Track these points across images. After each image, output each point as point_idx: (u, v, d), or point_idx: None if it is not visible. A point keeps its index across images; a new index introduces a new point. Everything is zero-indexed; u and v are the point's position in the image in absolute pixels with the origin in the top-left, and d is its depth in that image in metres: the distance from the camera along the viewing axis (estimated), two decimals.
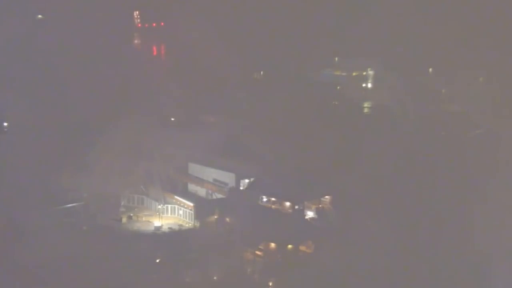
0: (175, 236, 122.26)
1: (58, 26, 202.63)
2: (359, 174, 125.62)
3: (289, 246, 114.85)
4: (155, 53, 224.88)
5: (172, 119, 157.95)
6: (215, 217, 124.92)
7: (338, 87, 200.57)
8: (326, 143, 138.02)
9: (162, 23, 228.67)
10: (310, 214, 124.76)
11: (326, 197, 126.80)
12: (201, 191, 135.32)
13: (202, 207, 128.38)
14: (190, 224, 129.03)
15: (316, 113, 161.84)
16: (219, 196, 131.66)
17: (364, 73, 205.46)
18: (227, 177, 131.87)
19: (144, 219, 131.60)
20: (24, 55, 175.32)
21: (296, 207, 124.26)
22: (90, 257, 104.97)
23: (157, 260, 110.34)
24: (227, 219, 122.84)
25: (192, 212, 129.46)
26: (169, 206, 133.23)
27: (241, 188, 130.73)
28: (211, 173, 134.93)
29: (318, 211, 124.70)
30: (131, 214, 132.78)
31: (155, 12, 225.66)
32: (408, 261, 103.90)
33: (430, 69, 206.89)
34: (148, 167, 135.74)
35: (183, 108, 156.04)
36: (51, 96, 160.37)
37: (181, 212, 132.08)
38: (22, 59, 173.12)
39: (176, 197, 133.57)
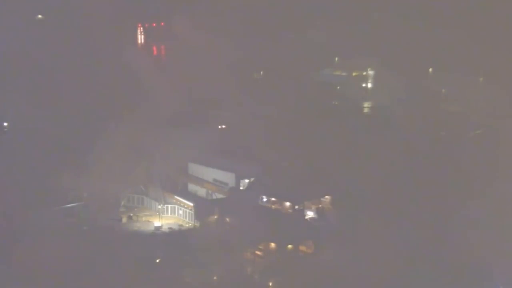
0: (175, 236, 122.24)
1: (58, 26, 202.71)
2: (359, 174, 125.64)
3: (289, 246, 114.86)
4: (155, 53, 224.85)
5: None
6: (215, 217, 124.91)
7: (338, 87, 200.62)
8: (326, 143, 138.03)
9: (162, 23, 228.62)
10: (310, 214, 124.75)
11: (326, 197, 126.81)
12: (201, 191, 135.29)
13: (202, 207, 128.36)
14: (190, 224, 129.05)
15: (316, 113, 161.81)
16: (219, 196, 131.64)
17: (364, 73, 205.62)
18: (227, 177, 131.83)
19: (144, 219, 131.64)
20: (24, 55, 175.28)
21: (296, 207, 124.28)
22: (90, 257, 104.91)
23: (157, 260, 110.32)
24: (227, 219, 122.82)
25: (192, 212, 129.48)
26: (169, 206, 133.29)
27: (241, 188, 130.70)
28: (211, 173, 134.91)
29: (318, 211, 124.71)
30: (131, 214, 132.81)
31: (155, 12, 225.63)
32: (408, 261, 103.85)
33: (430, 69, 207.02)
34: (148, 167, 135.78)
35: (183, 108, 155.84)
36: (51, 96, 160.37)
37: (181, 212, 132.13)
38: (22, 59, 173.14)
39: (176, 197, 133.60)
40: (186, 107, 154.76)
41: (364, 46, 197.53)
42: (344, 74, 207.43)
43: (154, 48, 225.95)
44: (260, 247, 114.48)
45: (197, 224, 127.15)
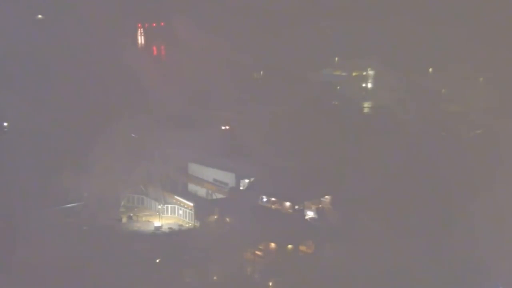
0: (175, 236, 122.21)
1: (58, 26, 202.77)
2: (359, 174, 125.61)
3: (289, 246, 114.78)
4: (155, 53, 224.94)
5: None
6: (215, 217, 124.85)
7: (338, 87, 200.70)
8: (326, 143, 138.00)
9: (162, 23, 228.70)
10: (310, 214, 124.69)
11: (326, 197, 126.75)
12: (201, 191, 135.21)
13: (202, 207, 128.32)
14: (190, 224, 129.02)
15: (316, 113, 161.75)
16: (219, 196, 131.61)
17: (364, 73, 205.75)
18: (227, 177, 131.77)
19: (144, 219, 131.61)
20: (24, 55, 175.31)
21: (296, 207, 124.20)
22: (90, 257, 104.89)
23: (157, 260, 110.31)
24: (227, 219, 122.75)
25: (192, 212, 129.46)
26: (169, 206, 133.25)
27: (241, 188, 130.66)
28: (211, 173, 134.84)
29: (318, 211, 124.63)
30: (131, 214, 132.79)
31: (155, 12, 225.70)
32: (408, 261, 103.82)
33: (430, 69, 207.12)
34: (148, 167, 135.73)
35: (183, 108, 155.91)
36: (51, 96, 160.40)
37: (181, 212, 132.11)
38: (22, 59, 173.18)
39: (176, 197, 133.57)
40: (186, 107, 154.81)
41: (364, 46, 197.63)
42: (344, 74, 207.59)
43: (154, 48, 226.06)
44: (260, 247, 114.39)
45: (197, 224, 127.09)
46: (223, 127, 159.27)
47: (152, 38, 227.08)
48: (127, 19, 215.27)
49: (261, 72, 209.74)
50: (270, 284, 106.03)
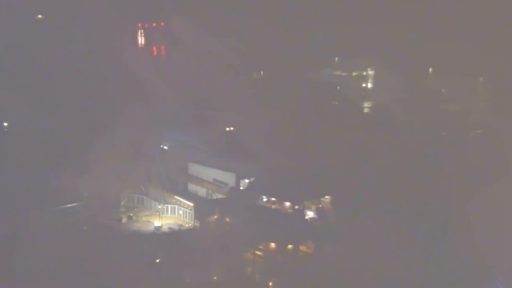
0: (175, 236, 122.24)
1: (58, 26, 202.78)
2: (359, 174, 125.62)
3: (289, 246, 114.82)
4: (155, 53, 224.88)
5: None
6: (215, 217, 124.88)
7: (338, 87, 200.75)
8: (326, 143, 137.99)
9: (162, 23, 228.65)
10: (310, 214, 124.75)
11: (326, 197, 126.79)
12: (201, 191, 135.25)
13: (202, 207, 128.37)
14: (190, 224, 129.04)
15: (316, 113, 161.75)
16: (219, 196, 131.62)
17: (364, 73, 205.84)
18: (227, 177, 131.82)
19: (144, 219, 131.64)
20: (24, 55, 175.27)
21: (296, 207, 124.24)
22: (90, 257, 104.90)
23: (157, 260, 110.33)
24: (227, 219, 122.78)
25: (192, 212, 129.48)
26: (169, 206, 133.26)
27: (241, 188, 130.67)
28: (211, 173, 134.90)
29: (318, 211, 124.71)
30: (131, 214, 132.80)
31: (155, 12, 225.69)
32: (408, 261, 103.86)
33: (430, 69, 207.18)
34: (148, 167, 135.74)
35: (184, 108, 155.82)
36: (51, 96, 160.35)
37: (181, 212, 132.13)
38: (22, 59, 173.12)
39: (176, 197, 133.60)
40: (186, 107, 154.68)
41: (364, 46, 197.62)
42: (344, 74, 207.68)
43: (154, 48, 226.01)
44: (260, 247, 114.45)
45: (197, 224, 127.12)
46: (224, 128, 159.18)
47: (152, 38, 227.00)
48: (127, 19, 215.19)
49: (261, 72, 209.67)
50: (270, 284, 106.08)
